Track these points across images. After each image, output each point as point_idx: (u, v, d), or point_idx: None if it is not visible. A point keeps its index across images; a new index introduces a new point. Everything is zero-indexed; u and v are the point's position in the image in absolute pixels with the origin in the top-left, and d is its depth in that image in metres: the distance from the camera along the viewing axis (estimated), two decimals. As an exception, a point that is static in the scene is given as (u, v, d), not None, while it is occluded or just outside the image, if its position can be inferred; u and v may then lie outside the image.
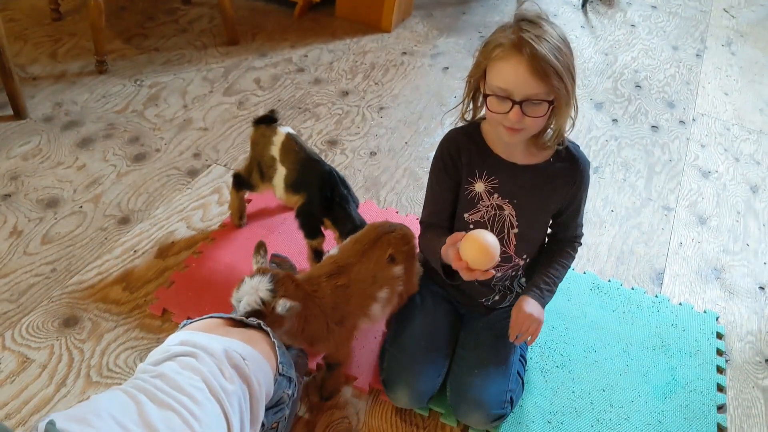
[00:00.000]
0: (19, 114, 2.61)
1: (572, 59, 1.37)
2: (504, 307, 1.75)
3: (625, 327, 2.02)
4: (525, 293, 1.59)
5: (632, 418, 1.78)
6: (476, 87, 1.48)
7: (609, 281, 2.17)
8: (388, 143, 2.70)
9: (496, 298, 1.72)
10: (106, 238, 2.15)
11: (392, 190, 2.46)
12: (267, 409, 1.35)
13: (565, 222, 1.64)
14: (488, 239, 1.31)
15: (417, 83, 3.10)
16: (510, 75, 1.34)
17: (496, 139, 1.54)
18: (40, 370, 1.76)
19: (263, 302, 1.43)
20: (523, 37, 1.32)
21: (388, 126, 2.80)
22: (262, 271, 1.49)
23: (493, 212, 1.59)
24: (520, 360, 1.75)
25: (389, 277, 1.63)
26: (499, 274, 1.65)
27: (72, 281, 1.99)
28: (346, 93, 2.99)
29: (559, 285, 1.66)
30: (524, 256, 1.65)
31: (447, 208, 1.64)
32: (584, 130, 2.91)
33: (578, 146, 1.60)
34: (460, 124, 1.59)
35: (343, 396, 1.77)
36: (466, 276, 1.35)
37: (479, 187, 1.57)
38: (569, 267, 1.66)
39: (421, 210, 1.78)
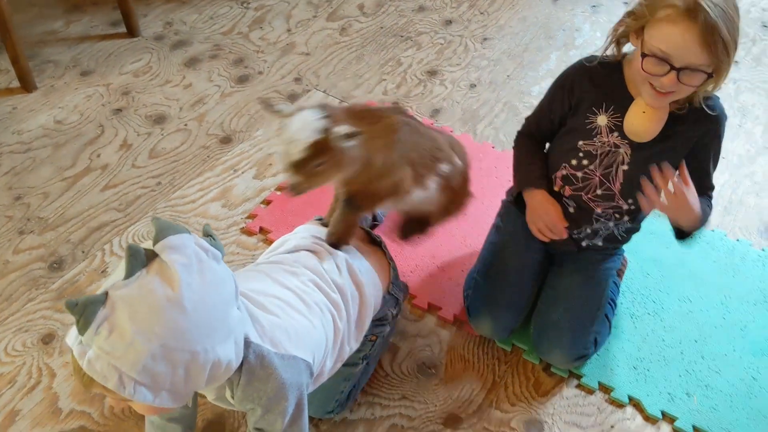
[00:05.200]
0: (131, 32, 2.71)
1: (739, 27, 1.30)
2: (595, 248, 1.70)
3: (725, 279, 1.93)
4: None
5: (724, 372, 1.72)
6: (625, 35, 1.42)
7: (713, 231, 2.07)
8: (490, 76, 2.63)
9: (588, 231, 1.66)
10: (208, 156, 2.22)
11: (490, 125, 2.41)
12: (372, 320, 1.47)
13: (699, 173, 1.52)
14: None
15: (524, 14, 2.99)
16: (677, 41, 1.27)
17: (636, 82, 1.46)
18: (144, 276, 1.87)
19: (321, 131, 1.19)
20: (699, 2, 1.24)
21: (491, 58, 2.72)
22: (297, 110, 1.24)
23: (607, 149, 1.54)
24: (609, 303, 1.72)
25: (451, 157, 1.59)
26: (599, 210, 1.60)
27: (175, 195, 2.08)
28: (449, 22, 2.91)
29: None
30: (629, 201, 1.58)
31: (549, 127, 1.63)
32: (700, 71, 2.73)
33: (718, 98, 1.50)
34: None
35: (427, 325, 1.79)
36: None
37: (602, 120, 1.52)
38: (709, 215, 1.55)
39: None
